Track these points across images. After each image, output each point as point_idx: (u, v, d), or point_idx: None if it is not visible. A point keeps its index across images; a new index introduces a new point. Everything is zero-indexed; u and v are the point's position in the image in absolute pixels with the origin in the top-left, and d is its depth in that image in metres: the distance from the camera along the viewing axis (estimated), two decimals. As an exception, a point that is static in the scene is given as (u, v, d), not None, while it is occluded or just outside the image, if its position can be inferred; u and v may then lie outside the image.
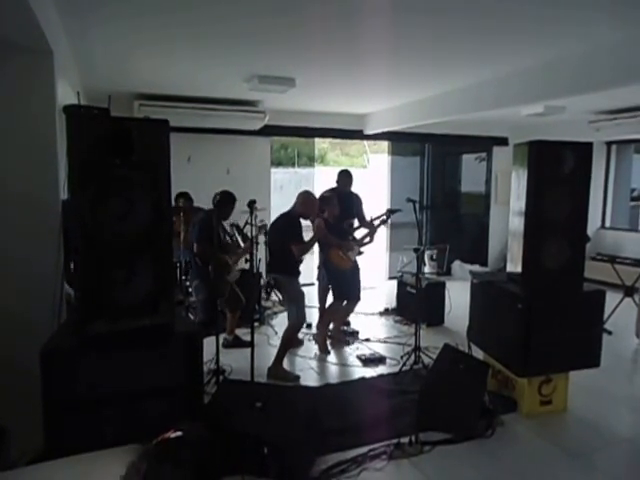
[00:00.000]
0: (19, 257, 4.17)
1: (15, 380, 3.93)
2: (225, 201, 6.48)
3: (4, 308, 4.10)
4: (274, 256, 6.29)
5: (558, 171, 5.02)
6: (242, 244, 7.08)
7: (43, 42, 3.90)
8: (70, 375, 3.46)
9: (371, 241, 7.21)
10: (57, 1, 4.09)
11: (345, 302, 7.11)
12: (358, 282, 7.21)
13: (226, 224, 6.84)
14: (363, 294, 6.93)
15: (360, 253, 7.16)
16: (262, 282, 8.58)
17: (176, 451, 1.77)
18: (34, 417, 3.47)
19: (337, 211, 6.82)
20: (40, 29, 3.60)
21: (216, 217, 6.29)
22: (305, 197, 6.27)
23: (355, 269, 7.04)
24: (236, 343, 6.94)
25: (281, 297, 6.51)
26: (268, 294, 8.31)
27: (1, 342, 4.04)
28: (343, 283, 6.93)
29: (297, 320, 6.17)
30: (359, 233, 7.30)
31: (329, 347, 7.06)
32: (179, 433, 1.88)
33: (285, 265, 6.06)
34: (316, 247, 6.87)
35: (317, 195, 6.66)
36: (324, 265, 6.90)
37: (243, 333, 7.04)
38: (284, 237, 6.05)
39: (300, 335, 6.97)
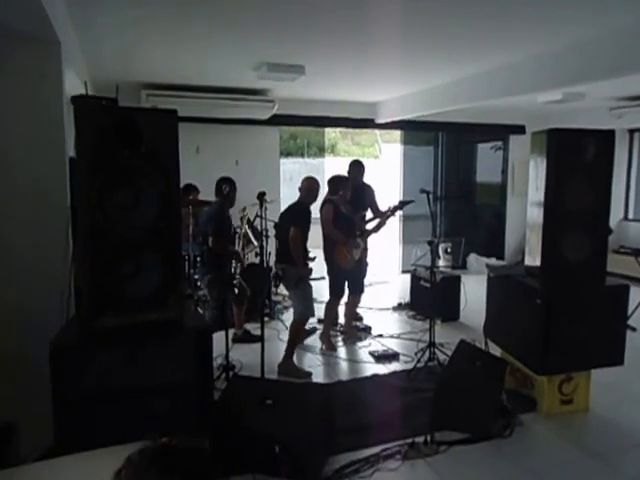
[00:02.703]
0: (26, 251, 4.12)
1: (24, 376, 3.91)
2: (232, 189, 6.46)
3: (12, 304, 4.06)
4: (282, 246, 6.17)
5: (579, 160, 4.88)
6: (253, 238, 7.00)
7: (50, 31, 3.83)
8: (79, 370, 3.40)
9: (376, 232, 7.09)
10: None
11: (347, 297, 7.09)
12: (360, 275, 7.16)
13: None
14: (375, 288, 6.82)
15: (365, 250, 7.08)
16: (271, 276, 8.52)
17: (166, 458, 1.62)
18: (43, 413, 3.43)
19: (349, 195, 6.71)
20: (47, 18, 3.53)
21: (227, 208, 6.33)
22: (309, 184, 6.25)
23: (357, 264, 6.89)
24: (245, 338, 6.84)
25: (287, 289, 6.39)
26: (277, 286, 8.19)
27: (10, 338, 4.01)
28: (341, 280, 6.83)
29: (303, 314, 6.11)
30: (371, 225, 7.16)
31: (337, 344, 6.98)
32: (172, 440, 1.73)
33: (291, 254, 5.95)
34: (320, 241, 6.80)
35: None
36: (326, 259, 6.77)
37: (253, 328, 6.96)
38: (290, 224, 5.97)
39: (308, 326, 6.84)
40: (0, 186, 4.04)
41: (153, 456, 1.63)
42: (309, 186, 6.22)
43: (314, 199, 6.31)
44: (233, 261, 6.65)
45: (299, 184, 6.27)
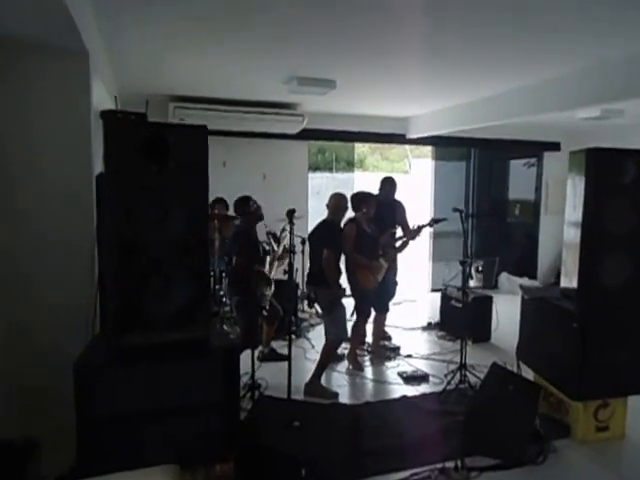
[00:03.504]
0: (52, 268, 4.09)
1: (47, 393, 3.89)
2: (248, 205, 6.49)
3: (37, 321, 4.04)
4: (314, 268, 6.10)
5: (619, 181, 4.78)
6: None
7: (79, 43, 3.81)
8: (103, 389, 3.36)
9: (400, 251, 7.03)
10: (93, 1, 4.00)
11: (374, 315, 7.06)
12: (386, 294, 7.10)
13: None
14: (404, 307, 6.75)
15: (393, 269, 7.04)
16: (299, 293, 8.43)
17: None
18: (65, 430, 3.39)
19: (372, 213, 6.61)
20: (76, 30, 3.51)
21: (254, 226, 6.35)
22: (336, 200, 6.22)
23: (381, 283, 6.77)
24: (272, 356, 6.77)
25: (320, 310, 6.31)
26: (310, 306, 8.08)
27: (34, 355, 4.00)
28: (366, 300, 6.71)
29: (337, 336, 6.03)
30: (397, 244, 7.06)
31: (364, 364, 6.89)
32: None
33: (326, 277, 5.86)
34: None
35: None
36: (348, 279, 6.64)
37: (279, 346, 6.90)
38: (322, 246, 5.89)
39: (339, 350, 6.71)
40: (25, 201, 4.03)
41: None
42: (336, 203, 6.18)
43: (343, 215, 6.25)
44: (263, 283, 6.52)
45: (327, 200, 6.20)
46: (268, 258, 6.95)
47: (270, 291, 6.59)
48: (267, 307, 6.54)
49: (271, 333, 6.90)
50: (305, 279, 6.44)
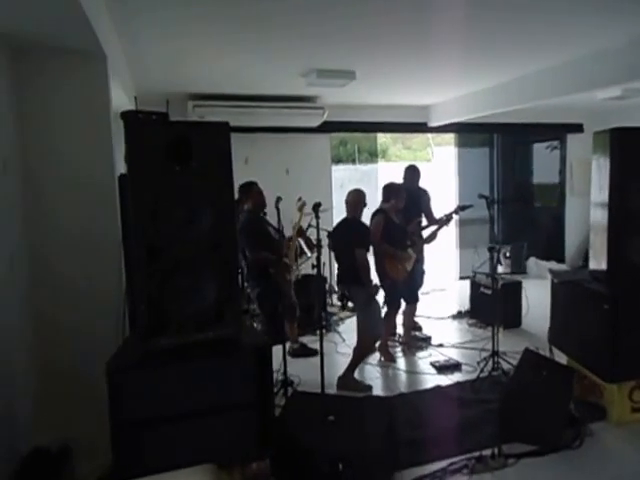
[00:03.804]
0: (79, 271, 4.14)
1: (81, 396, 3.93)
2: (252, 192, 6.43)
3: (69, 325, 4.09)
4: (344, 267, 6.04)
5: (644, 160, 4.75)
6: (306, 249, 6.89)
7: (96, 45, 3.84)
8: (137, 391, 3.35)
9: (429, 242, 7.04)
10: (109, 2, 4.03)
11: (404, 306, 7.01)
12: (415, 284, 7.07)
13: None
14: (433, 296, 6.69)
15: (419, 260, 7.00)
16: (327, 287, 8.43)
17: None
18: (101, 434, 3.41)
19: (402, 204, 6.57)
20: (93, 32, 3.53)
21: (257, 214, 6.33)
22: (355, 196, 6.14)
23: (410, 273, 6.73)
24: (302, 352, 6.76)
25: (353, 307, 6.31)
26: (344, 306, 8.04)
27: (66, 359, 4.05)
28: (396, 291, 6.68)
29: (376, 332, 6.04)
30: (426, 233, 7.08)
31: (396, 355, 6.87)
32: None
33: (357, 274, 5.80)
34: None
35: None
36: (377, 271, 6.58)
37: (309, 340, 6.91)
38: (350, 244, 5.84)
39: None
40: (49, 204, 4.08)
41: None
42: (356, 198, 6.11)
43: (362, 210, 6.19)
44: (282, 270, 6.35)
45: (347, 190, 6.18)
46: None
47: (290, 276, 6.51)
48: (289, 294, 6.47)
49: (294, 329, 6.85)
50: (336, 279, 6.39)
